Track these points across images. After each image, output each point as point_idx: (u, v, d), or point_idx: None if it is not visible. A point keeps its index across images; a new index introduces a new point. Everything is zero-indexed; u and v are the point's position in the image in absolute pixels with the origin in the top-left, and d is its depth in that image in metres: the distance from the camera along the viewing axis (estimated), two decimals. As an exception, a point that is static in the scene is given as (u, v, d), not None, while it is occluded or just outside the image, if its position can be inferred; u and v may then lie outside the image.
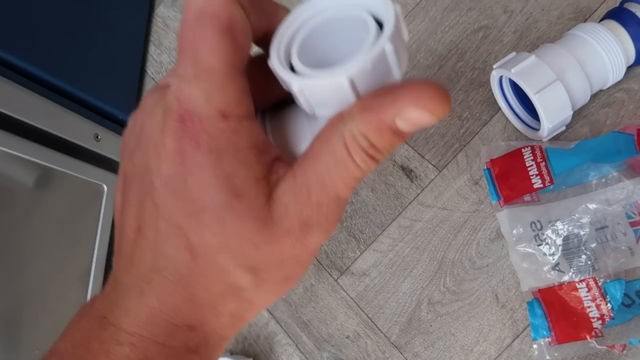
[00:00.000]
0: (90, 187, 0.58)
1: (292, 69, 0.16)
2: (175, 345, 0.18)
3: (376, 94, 0.15)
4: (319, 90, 0.15)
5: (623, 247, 0.39)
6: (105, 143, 0.60)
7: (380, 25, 0.15)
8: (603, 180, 0.41)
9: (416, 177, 0.48)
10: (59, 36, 0.56)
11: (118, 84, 0.64)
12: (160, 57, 0.66)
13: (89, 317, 0.18)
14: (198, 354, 0.18)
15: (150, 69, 0.67)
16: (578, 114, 0.44)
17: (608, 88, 0.43)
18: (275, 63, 0.16)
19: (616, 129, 0.41)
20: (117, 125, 0.62)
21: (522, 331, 0.41)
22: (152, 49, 0.67)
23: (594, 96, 0.43)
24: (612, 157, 0.40)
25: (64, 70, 0.56)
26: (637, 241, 0.40)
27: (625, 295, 0.39)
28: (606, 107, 0.43)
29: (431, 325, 0.44)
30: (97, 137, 0.59)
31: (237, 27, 0.16)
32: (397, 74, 0.15)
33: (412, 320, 0.45)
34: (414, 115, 0.15)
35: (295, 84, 0.15)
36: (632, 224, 0.40)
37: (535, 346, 0.39)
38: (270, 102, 0.19)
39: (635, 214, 0.40)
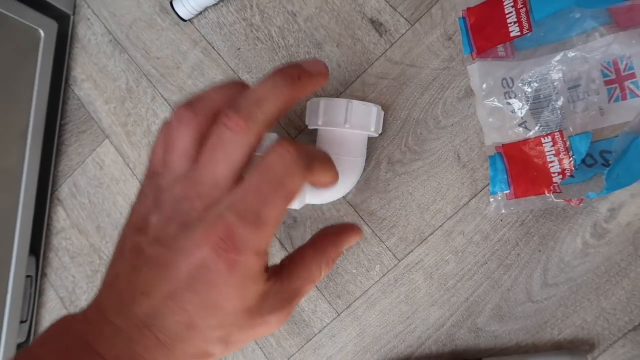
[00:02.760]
0: (25, 31, 0.51)
1: None
2: None
3: (328, 240, 0.28)
4: None
5: (595, 102, 0.37)
6: (40, -17, 0.52)
7: None
8: (584, 36, 0.38)
9: (386, 32, 0.44)
10: None
11: None
12: None
13: (72, 335, 0.22)
14: None
15: None
16: (567, -38, 0.40)
17: None
18: None
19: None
20: (54, -36, 0.55)
21: (481, 190, 0.40)
22: None
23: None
24: (598, 2, 0.36)
25: None
26: (609, 101, 0.38)
27: (589, 155, 0.38)
28: (598, -44, 0.39)
29: (389, 185, 0.43)
30: (31, -26, 0.51)
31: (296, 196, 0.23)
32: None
33: (370, 180, 0.43)
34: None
35: None
36: (607, 83, 0.38)
37: (492, 200, 0.38)
38: None
39: (611, 71, 0.37)
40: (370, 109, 0.39)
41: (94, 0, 0.56)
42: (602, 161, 0.38)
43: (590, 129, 0.38)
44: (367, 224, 0.43)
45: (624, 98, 0.37)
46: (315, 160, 0.23)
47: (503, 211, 0.38)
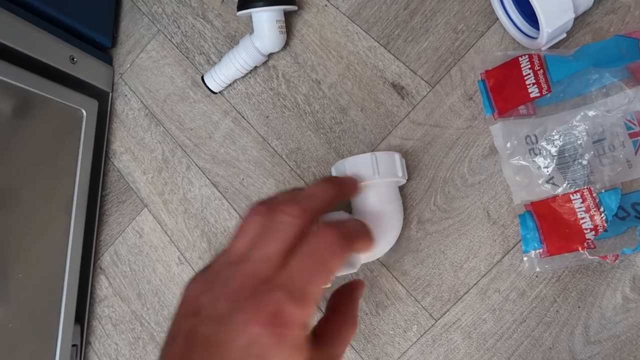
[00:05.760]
0: (68, 112, 0.55)
1: None
2: None
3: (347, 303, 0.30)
4: None
5: (621, 157, 0.37)
6: (82, 66, 0.57)
7: None
8: (604, 90, 0.39)
9: (407, 94, 0.46)
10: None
11: (93, 4, 0.60)
12: (138, -25, 0.62)
13: None
14: None
15: (128, -11, 0.63)
16: (580, 21, 0.41)
17: (614, -8, 0.40)
18: None
19: (620, 33, 0.38)
20: (93, 47, 0.59)
21: (513, 247, 0.40)
22: (129, -33, 0.63)
23: (598, 2, 0.40)
24: (615, 62, 0.37)
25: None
26: (636, 153, 0.38)
27: (621, 207, 0.38)
28: (611, 13, 0.41)
29: (420, 244, 0.43)
30: (73, 59, 0.56)
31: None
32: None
33: (402, 239, 0.44)
34: None
35: None
36: (632, 135, 0.38)
37: (525, 259, 0.38)
38: None
39: (635, 124, 0.38)
40: (393, 156, 0.41)
41: (130, 78, 0.60)
42: (635, 213, 0.38)
43: (619, 181, 0.38)
44: (401, 284, 0.44)
45: (651, 149, 0.38)
46: (355, 236, 0.27)
47: (537, 269, 0.38)
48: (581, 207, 0.36)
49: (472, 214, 0.42)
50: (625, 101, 0.38)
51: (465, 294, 0.41)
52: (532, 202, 0.39)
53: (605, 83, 0.39)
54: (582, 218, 0.36)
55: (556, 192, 0.38)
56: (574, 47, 0.41)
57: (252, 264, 0.25)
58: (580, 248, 0.36)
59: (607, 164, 0.38)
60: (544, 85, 0.39)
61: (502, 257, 0.41)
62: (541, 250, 0.38)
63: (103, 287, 0.57)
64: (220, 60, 0.53)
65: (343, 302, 0.29)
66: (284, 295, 0.24)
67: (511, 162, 0.39)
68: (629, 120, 0.38)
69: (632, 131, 0.38)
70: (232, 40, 0.55)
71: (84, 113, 0.56)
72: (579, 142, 0.38)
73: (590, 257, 0.36)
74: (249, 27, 0.54)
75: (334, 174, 0.42)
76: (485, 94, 0.41)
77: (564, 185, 0.38)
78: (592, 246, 0.36)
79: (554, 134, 0.38)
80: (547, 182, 0.38)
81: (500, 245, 0.41)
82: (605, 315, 0.38)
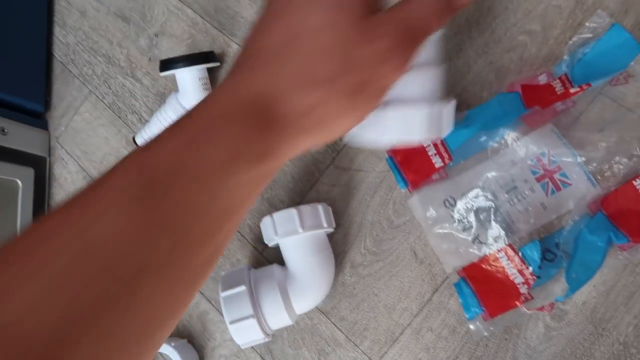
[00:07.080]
0: (3, 184, 0.55)
1: None
2: (250, 118, 0.21)
3: None
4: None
5: (529, 203, 0.38)
6: (14, 136, 0.56)
7: None
8: (502, 141, 0.40)
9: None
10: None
11: (23, 72, 0.60)
12: (67, 38, 0.62)
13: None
14: (270, 133, 0.22)
15: (58, 51, 0.63)
16: (484, 60, 0.43)
17: (511, 31, 0.42)
18: None
19: (502, 90, 0.40)
20: (26, 115, 0.59)
21: (441, 284, 0.42)
22: (57, 30, 0.63)
23: (497, 41, 0.42)
24: (502, 120, 0.39)
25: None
26: (547, 195, 0.39)
27: (547, 250, 0.39)
28: (510, 51, 0.42)
29: (355, 288, 0.44)
30: (4, 130, 0.56)
31: None
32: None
33: (337, 285, 0.45)
34: None
35: None
36: (538, 179, 0.39)
37: (471, 326, 0.39)
38: None
39: (538, 168, 0.39)
40: (317, 208, 0.42)
41: (66, 141, 0.60)
42: (561, 253, 0.39)
43: (539, 225, 0.39)
44: (340, 329, 0.44)
45: (558, 189, 0.39)
46: None
47: (485, 334, 0.39)
48: (509, 264, 0.38)
49: (401, 255, 0.43)
50: (523, 149, 0.39)
51: (400, 334, 0.42)
52: (463, 268, 0.40)
53: (502, 134, 0.40)
54: (513, 274, 0.38)
55: (483, 250, 0.39)
56: (479, 86, 0.42)
57: None
58: (517, 303, 0.37)
59: (522, 212, 0.39)
60: (445, 155, 0.40)
61: (432, 296, 0.42)
62: (483, 314, 0.38)
63: None
64: (149, 119, 0.53)
65: None
66: None
67: (435, 232, 0.40)
68: (533, 166, 0.39)
69: (537, 175, 0.39)
70: (162, 98, 0.55)
71: (20, 183, 0.56)
72: (488, 202, 0.39)
73: (528, 310, 0.37)
74: (177, 84, 0.55)
75: (263, 229, 0.43)
76: (395, 170, 0.43)
77: (490, 240, 0.39)
78: (529, 297, 0.37)
79: (468, 190, 0.39)
80: (473, 242, 0.39)
81: (428, 284, 0.42)
82: (530, 345, 0.39)
